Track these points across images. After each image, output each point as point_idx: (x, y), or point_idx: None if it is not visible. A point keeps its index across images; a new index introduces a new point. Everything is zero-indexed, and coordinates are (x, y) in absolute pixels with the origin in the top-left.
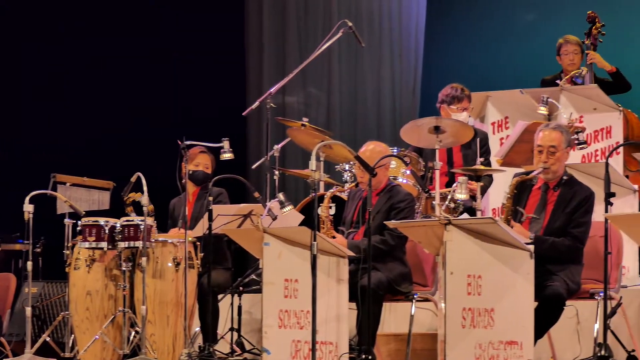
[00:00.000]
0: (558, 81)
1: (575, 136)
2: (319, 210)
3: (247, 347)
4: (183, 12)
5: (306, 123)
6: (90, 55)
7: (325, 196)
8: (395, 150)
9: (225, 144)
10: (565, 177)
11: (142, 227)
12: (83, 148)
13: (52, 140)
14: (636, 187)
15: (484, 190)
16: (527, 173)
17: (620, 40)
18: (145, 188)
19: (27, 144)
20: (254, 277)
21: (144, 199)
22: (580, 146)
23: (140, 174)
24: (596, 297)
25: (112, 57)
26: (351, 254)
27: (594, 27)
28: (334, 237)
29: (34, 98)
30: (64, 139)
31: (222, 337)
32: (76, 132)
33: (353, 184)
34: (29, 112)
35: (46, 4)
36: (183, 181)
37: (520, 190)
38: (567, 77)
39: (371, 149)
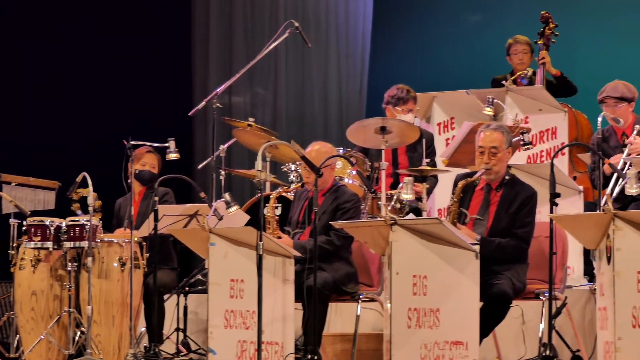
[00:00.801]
0: (504, 82)
1: (521, 137)
2: (265, 211)
3: (193, 347)
4: (128, 10)
5: (252, 123)
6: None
7: (270, 196)
8: (341, 151)
9: (171, 143)
10: (507, 177)
11: (87, 227)
12: (30, 150)
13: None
14: (581, 187)
15: (429, 191)
16: (470, 174)
17: (569, 41)
18: (91, 187)
19: None
20: (200, 277)
21: (90, 197)
22: (526, 147)
23: (85, 173)
24: (541, 297)
25: (53, 56)
26: (297, 254)
27: (547, 28)
28: (279, 238)
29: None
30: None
31: (167, 337)
32: (28, 132)
33: (299, 184)
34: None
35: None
36: (129, 181)
37: (464, 192)
38: (512, 77)
39: (317, 150)
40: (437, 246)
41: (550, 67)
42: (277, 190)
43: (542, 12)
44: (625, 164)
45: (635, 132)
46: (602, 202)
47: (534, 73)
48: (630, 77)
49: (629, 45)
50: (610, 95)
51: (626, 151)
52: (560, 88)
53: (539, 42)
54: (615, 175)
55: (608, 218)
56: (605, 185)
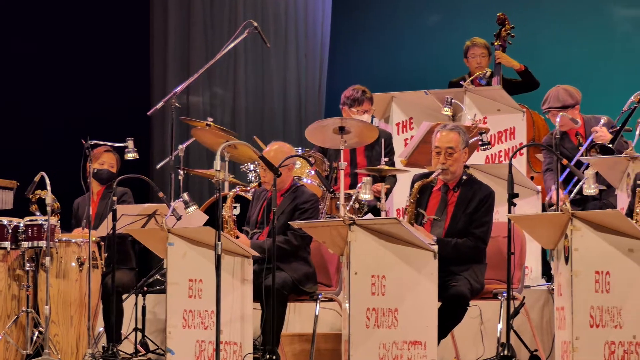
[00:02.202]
0: (462, 82)
1: (479, 137)
2: (223, 210)
3: (151, 347)
4: (85, 9)
5: (211, 123)
6: None
7: (228, 196)
8: (300, 151)
9: (130, 143)
10: (464, 177)
11: (45, 227)
12: None
13: None
14: (539, 188)
15: (389, 191)
16: (427, 174)
17: (529, 42)
18: (49, 187)
19: None
20: (158, 277)
21: (48, 198)
22: (484, 147)
23: (43, 173)
24: (499, 297)
25: (11, 54)
26: (255, 254)
27: (503, 29)
28: (237, 237)
29: None
30: None
31: (126, 337)
32: None
33: (256, 183)
34: None
35: None
36: (88, 180)
37: (421, 193)
38: (471, 78)
39: (275, 149)
40: (396, 246)
41: (514, 62)
42: (234, 190)
43: (498, 14)
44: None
45: (601, 123)
46: (548, 197)
47: (492, 74)
48: (586, 77)
49: (587, 46)
50: (553, 106)
51: (590, 138)
52: (523, 84)
53: (495, 44)
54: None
55: (566, 218)
56: (563, 185)
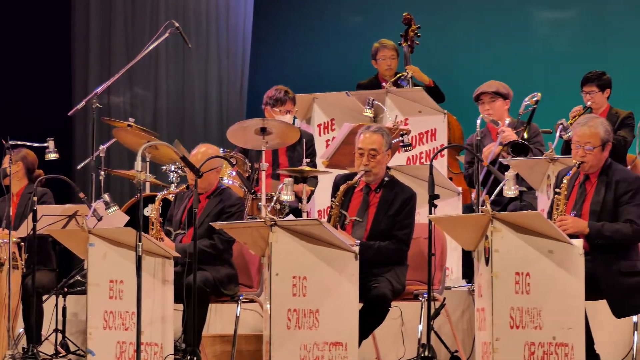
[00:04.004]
0: (384, 84)
1: (400, 138)
2: (150, 212)
3: (72, 348)
4: (6, 6)
5: (132, 123)
6: None
7: (156, 198)
8: (221, 151)
9: (50, 143)
10: (386, 179)
11: None
12: None
13: None
14: (460, 189)
15: (312, 192)
16: (349, 176)
17: (445, 45)
18: None
19: None
20: (79, 278)
21: None
22: (405, 148)
23: None
24: (420, 298)
25: None
26: (177, 255)
27: (410, 30)
28: (162, 239)
29: None
30: None
31: (46, 339)
32: None
33: (184, 185)
34: None
35: None
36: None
37: (344, 194)
38: (393, 79)
39: (203, 152)
40: (317, 247)
41: (424, 77)
42: (163, 192)
43: (404, 14)
44: (497, 157)
45: (506, 123)
46: (471, 197)
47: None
48: (505, 79)
49: (507, 48)
50: (486, 90)
51: (498, 139)
52: (431, 96)
53: (403, 44)
54: (492, 176)
55: (486, 219)
56: (482, 186)
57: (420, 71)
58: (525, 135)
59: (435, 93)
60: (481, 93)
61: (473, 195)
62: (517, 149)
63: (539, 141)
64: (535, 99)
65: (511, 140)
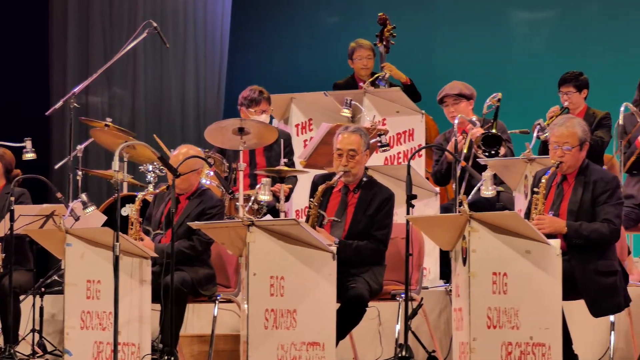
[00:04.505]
0: (360, 84)
1: (378, 139)
2: (129, 212)
3: (49, 348)
4: None
5: (110, 123)
6: None
7: (137, 198)
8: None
9: (28, 143)
10: (364, 179)
11: None
12: None
13: None
14: (437, 189)
15: (290, 191)
16: (329, 176)
17: (422, 45)
18: None
19: None
20: (56, 278)
21: None
22: (383, 148)
23: None
24: (397, 299)
25: None
26: (155, 255)
27: (385, 30)
28: (141, 239)
29: None
30: None
31: (23, 339)
32: None
33: (164, 185)
34: None
35: None
36: None
37: (322, 194)
38: (370, 79)
39: (184, 153)
40: (295, 247)
41: (401, 75)
42: (143, 193)
43: (379, 14)
44: (470, 153)
45: (474, 119)
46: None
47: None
48: (483, 80)
49: (485, 49)
50: (449, 93)
51: (468, 137)
52: (407, 94)
53: (379, 44)
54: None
55: (464, 220)
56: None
57: (396, 69)
58: (494, 132)
59: (412, 91)
60: (445, 95)
61: (438, 188)
62: (489, 141)
63: (508, 137)
64: (496, 98)
65: (482, 133)
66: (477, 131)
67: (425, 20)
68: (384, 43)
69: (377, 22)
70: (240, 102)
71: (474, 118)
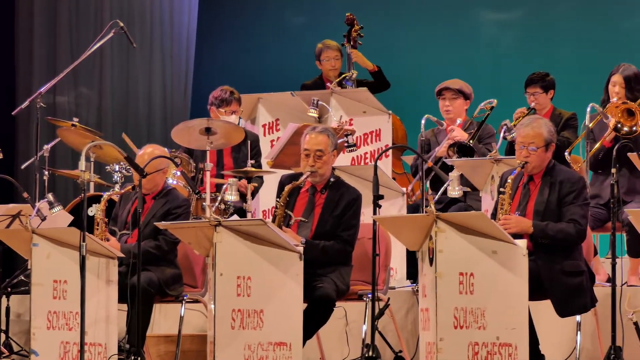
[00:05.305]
0: (328, 84)
1: (345, 139)
2: (95, 212)
3: (15, 348)
4: None
5: (76, 123)
6: None
7: (102, 198)
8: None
9: None
10: (332, 180)
11: None
12: None
13: None
14: (404, 189)
15: (255, 190)
16: (296, 177)
17: (389, 46)
18: None
19: None
20: (23, 278)
21: None
22: (350, 149)
23: None
24: (364, 299)
25: None
26: (122, 255)
27: (353, 30)
28: (107, 239)
29: None
30: None
31: None
32: None
33: (130, 186)
34: None
35: None
36: None
37: (289, 194)
38: (338, 79)
39: (150, 152)
40: (261, 247)
41: (368, 63)
42: (109, 193)
43: (347, 14)
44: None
45: (457, 122)
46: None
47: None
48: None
49: (453, 49)
50: (450, 87)
51: (447, 137)
52: (375, 85)
53: (346, 45)
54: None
55: (430, 220)
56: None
57: (363, 57)
58: (474, 139)
59: (380, 78)
60: (444, 88)
61: (409, 187)
62: (463, 150)
63: (489, 142)
64: (491, 105)
65: (457, 141)
66: (458, 136)
67: (391, 21)
68: (352, 43)
69: (345, 22)
70: (211, 102)
71: (459, 120)
